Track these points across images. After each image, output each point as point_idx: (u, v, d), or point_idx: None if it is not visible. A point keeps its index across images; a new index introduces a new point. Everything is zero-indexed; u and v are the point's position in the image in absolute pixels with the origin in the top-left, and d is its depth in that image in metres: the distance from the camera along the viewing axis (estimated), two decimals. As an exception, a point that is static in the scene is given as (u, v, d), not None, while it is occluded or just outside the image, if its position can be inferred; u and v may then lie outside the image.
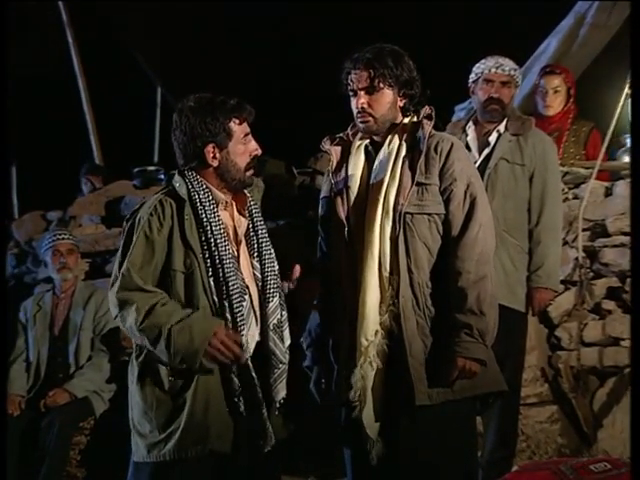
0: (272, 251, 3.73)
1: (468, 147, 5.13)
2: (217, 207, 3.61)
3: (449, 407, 3.67)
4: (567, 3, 7.04)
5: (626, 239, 5.79)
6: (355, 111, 3.82)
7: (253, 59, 8.78)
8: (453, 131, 5.23)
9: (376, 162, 3.82)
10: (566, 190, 5.98)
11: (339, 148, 3.95)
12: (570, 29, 6.93)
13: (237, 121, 3.62)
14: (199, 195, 3.59)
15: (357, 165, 3.87)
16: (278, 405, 3.67)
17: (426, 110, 3.84)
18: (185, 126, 3.60)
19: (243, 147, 3.64)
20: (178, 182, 3.62)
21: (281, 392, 3.68)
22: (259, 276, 3.68)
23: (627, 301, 5.74)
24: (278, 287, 3.71)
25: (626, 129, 6.41)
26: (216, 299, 3.55)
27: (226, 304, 3.54)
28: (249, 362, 3.56)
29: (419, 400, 3.64)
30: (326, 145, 3.98)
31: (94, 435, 6.06)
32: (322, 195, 4.02)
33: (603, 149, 6.03)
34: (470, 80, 5.21)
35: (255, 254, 3.70)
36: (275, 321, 3.66)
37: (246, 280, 3.65)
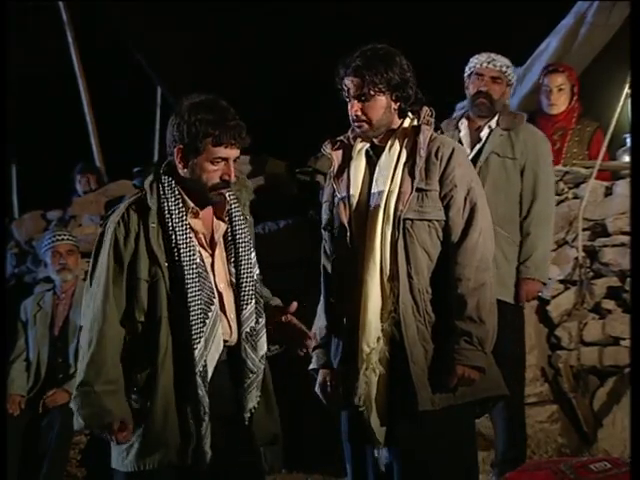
0: (251, 256, 3.63)
1: (460, 142, 5.18)
2: (186, 215, 3.51)
3: (450, 411, 3.67)
4: (567, 3, 7.03)
5: (626, 239, 5.79)
6: (351, 118, 3.82)
7: (254, 59, 8.78)
8: (447, 128, 5.26)
9: (377, 168, 3.80)
10: (566, 190, 5.98)
11: (340, 152, 3.94)
12: (570, 28, 6.93)
13: (215, 142, 3.48)
14: (168, 202, 3.50)
15: (358, 170, 3.86)
16: (249, 414, 3.57)
17: (426, 114, 3.83)
18: (174, 121, 3.52)
19: (212, 167, 3.49)
20: (148, 189, 3.54)
21: (251, 402, 3.56)
22: (234, 281, 3.59)
23: (627, 300, 5.74)
24: (254, 294, 3.59)
25: (627, 128, 6.42)
26: (176, 310, 3.46)
27: (182, 317, 3.44)
28: (197, 378, 3.44)
29: (422, 405, 3.63)
30: (327, 149, 3.97)
31: (94, 435, 6.04)
32: (324, 200, 4.01)
33: (603, 148, 6.04)
34: (465, 75, 5.26)
35: (232, 259, 3.60)
36: (248, 329, 3.55)
37: (220, 286, 3.56)
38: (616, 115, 6.12)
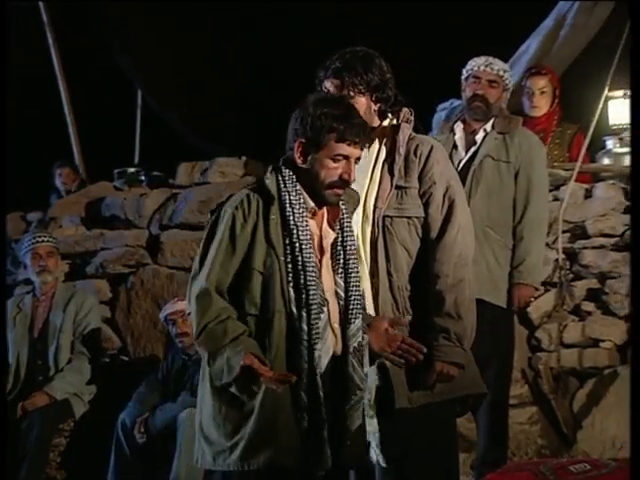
0: (358, 269, 3.51)
1: (455, 145, 5.19)
2: (306, 211, 3.41)
3: (428, 409, 3.68)
4: (549, 4, 7.05)
5: (605, 241, 5.82)
6: None
7: (235, 59, 8.77)
8: (442, 131, 5.27)
9: (356, 166, 3.82)
10: (546, 192, 6.00)
11: None
12: (550, 30, 6.94)
13: (338, 137, 3.40)
14: (289, 196, 3.40)
15: (337, 168, 3.87)
16: (350, 434, 3.41)
17: (405, 113, 3.84)
18: (298, 114, 3.43)
19: (333, 164, 3.41)
20: (269, 179, 3.43)
21: (356, 421, 3.42)
22: (342, 294, 3.45)
23: (606, 303, 5.76)
24: (362, 308, 3.48)
25: (607, 131, 6.44)
26: (294, 307, 3.34)
27: (304, 314, 3.33)
28: (318, 379, 3.33)
29: (399, 403, 3.64)
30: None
31: (74, 437, 6.04)
32: None
33: (583, 151, 6.05)
34: (462, 77, 5.27)
35: (340, 270, 3.47)
36: (356, 344, 3.41)
37: (326, 294, 3.42)
38: (596, 117, 6.15)
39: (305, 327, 3.33)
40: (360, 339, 3.44)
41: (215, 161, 6.81)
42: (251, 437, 3.31)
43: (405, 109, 3.85)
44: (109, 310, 6.74)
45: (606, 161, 6.24)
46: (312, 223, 3.45)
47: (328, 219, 3.50)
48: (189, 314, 3.44)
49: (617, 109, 6.44)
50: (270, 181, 3.44)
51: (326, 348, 3.39)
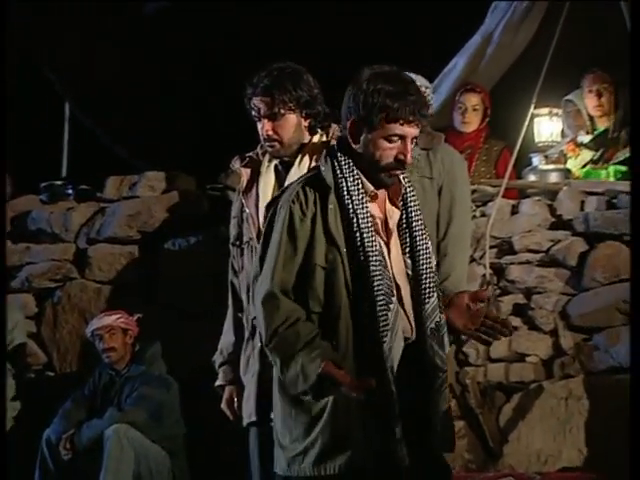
0: (428, 245, 3.31)
1: None
2: (366, 196, 3.22)
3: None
4: (479, 21, 7.13)
5: (532, 256, 5.87)
6: (261, 137, 3.83)
7: (166, 73, 8.73)
8: None
9: (286, 182, 3.82)
10: (474, 208, 6.04)
11: (249, 167, 3.96)
12: (478, 47, 7.03)
13: (391, 117, 3.19)
14: (347, 182, 3.20)
15: (267, 185, 3.88)
16: (439, 419, 3.28)
17: (335, 130, 3.86)
18: (351, 90, 3.23)
19: (387, 144, 3.21)
20: (324, 166, 3.25)
21: (444, 403, 3.30)
22: (411, 274, 3.28)
23: (532, 318, 5.82)
24: (436, 285, 3.30)
25: (532, 148, 6.53)
26: (356, 300, 3.17)
27: (367, 308, 3.16)
28: (389, 375, 3.15)
29: None
30: (236, 165, 3.99)
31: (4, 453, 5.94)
32: (233, 214, 4.02)
33: (510, 167, 6.12)
34: None
35: (407, 249, 3.29)
36: (433, 325, 3.26)
37: (397, 278, 3.25)
38: (522, 135, 6.23)
39: (368, 322, 3.17)
40: (437, 319, 3.29)
41: (144, 175, 6.75)
42: (324, 440, 3.16)
43: (335, 125, 3.87)
44: (35, 325, 6.64)
45: (532, 178, 6.32)
46: (373, 207, 3.26)
47: (390, 197, 3.32)
48: (254, 319, 3.27)
49: (543, 127, 6.54)
50: (325, 169, 3.25)
51: (398, 339, 3.22)
